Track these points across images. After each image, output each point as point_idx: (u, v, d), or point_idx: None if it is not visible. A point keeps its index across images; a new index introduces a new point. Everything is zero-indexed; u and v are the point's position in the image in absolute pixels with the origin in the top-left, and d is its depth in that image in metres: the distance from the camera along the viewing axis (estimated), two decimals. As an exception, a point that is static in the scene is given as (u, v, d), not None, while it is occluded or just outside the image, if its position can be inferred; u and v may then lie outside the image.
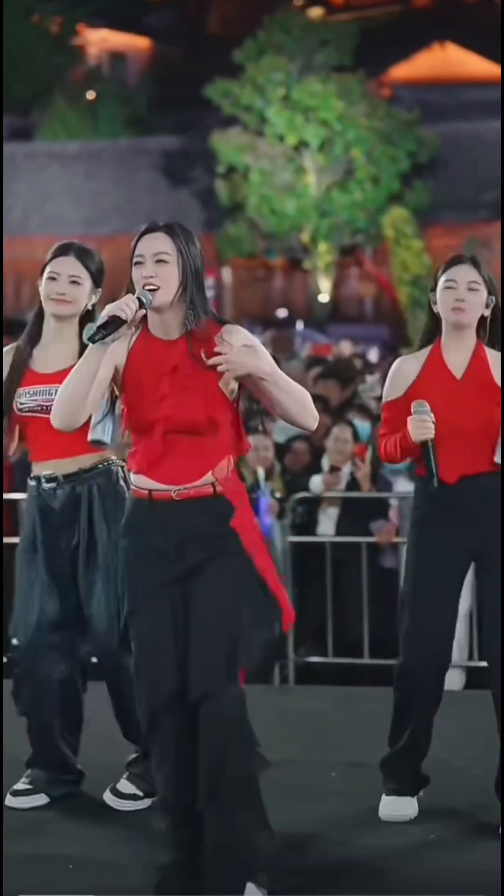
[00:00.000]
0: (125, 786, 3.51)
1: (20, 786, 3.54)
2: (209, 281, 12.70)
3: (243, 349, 2.79)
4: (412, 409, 3.25)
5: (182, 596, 2.84)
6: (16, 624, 3.51)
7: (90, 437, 2.98)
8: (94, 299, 3.53)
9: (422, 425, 3.23)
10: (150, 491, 2.87)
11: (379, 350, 15.41)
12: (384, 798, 3.38)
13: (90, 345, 2.79)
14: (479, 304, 3.32)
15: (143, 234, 2.86)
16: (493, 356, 3.36)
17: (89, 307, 3.51)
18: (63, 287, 3.46)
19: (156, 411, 2.84)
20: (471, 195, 21.60)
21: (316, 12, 28.74)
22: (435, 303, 3.37)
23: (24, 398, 3.47)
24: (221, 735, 2.77)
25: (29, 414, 3.47)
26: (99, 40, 28.85)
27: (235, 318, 5.47)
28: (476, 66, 26.13)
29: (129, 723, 3.44)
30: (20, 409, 3.48)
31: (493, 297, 3.36)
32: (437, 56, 26.94)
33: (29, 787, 3.53)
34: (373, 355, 14.37)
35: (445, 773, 3.59)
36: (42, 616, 3.47)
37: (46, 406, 3.39)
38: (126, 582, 2.92)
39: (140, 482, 2.90)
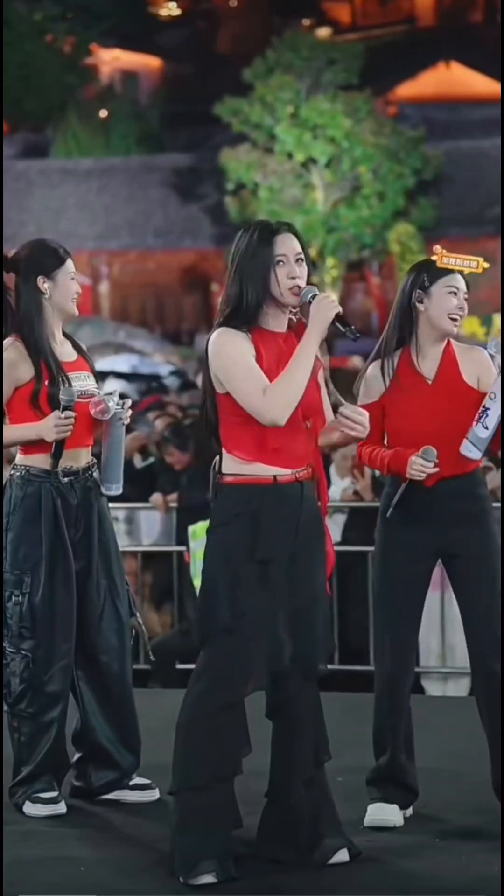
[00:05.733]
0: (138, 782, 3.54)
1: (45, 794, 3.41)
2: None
3: None
4: (420, 451, 3.24)
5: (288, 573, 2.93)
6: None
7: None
8: None
9: (420, 470, 3.24)
10: (275, 476, 2.90)
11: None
12: (369, 807, 3.36)
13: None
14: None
15: (275, 233, 2.86)
16: (460, 351, 3.38)
17: None
18: (78, 287, 3.50)
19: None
20: (476, 211, 21.69)
21: (324, 32, 28.90)
22: (420, 301, 3.33)
23: (74, 384, 3.38)
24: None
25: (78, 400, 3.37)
26: (111, 59, 29.03)
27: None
28: (480, 84, 26.23)
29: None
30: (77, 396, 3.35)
31: None
32: (442, 75, 27.02)
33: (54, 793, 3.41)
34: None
35: (448, 777, 3.62)
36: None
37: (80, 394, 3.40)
38: (234, 563, 2.91)
39: (258, 470, 2.90)
